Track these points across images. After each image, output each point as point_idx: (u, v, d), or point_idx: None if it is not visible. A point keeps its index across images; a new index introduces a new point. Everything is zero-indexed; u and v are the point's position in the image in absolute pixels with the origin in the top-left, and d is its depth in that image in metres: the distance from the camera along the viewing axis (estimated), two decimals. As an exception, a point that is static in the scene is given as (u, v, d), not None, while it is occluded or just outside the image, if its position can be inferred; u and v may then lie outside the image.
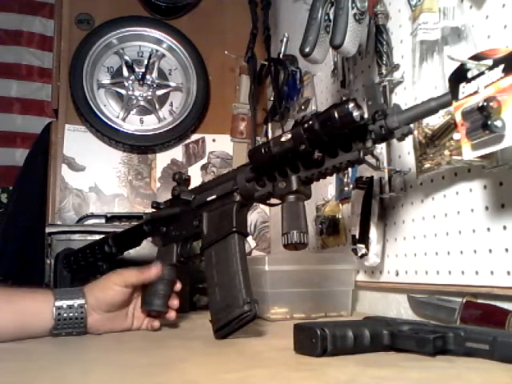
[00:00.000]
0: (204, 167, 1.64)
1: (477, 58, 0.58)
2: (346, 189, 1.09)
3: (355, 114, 0.62)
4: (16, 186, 1.82)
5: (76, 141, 1.55)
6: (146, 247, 1.05)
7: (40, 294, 0.81)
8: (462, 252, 0.76)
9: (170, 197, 0.93)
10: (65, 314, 0.78)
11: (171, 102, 1.63)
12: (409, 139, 0.73)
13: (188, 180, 0.92)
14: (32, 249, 1.57)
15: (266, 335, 0.78)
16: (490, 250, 0.71)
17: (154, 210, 0.95)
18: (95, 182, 1.56)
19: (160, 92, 1.62)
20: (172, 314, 0.88)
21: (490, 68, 0.55)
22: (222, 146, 1.65)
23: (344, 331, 0.56)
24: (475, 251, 0.74)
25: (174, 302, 0.88)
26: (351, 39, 0.84)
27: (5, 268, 1.55)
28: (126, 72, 1.60)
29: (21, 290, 0.80)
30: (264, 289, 0.93)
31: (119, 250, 1.02)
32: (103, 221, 1.41)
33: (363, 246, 0.92)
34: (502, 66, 0.54)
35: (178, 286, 0.89)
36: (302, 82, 1.35)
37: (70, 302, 0.79)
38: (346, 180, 1.09)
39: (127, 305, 0.86)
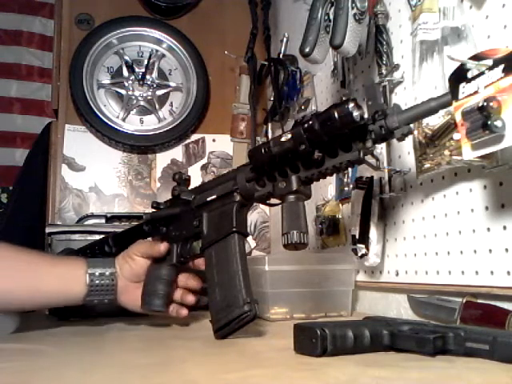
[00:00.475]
0: (204, 167, 1.64)
1: (477, 57, 0.58)
2: (346, 189, 1.09)
3: (355, 114, 0.62)
4: (16, 186, 1.82)
5: (76, 141, 1.55)
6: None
7: (74, 261, 0.85)
8: (461, 252, 0.76)
9: (170, 197, 0.93)
10: (97, 281, 0.83)
11: (171, 102, 1.63)
12: (409, 139, 0.73)
13: (188, 180, 0.92)
14: (32, 249, 1.57)
15: (265, 335, 0.78)
16: (490, 250, 0.71)
17: (153, 210, 0.95)
18: (95, 182, 1.56)
19: (160, 92, 1.62)
20: (184, 311, 0.89)
21: (490, 68, 0.55)
22: (222, 146, 1.66)
23: (344, 331, 0.56)
24: (475, 251, 0.74)
25: (189, 299, 0.89)
26: (351, 39, 0.84)
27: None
28: (125, 72, 1.60)
29: (56, 257, 0.87)
30: (264, 289, 0.93)
31: (119, 250, 1.02)
32: (103, 221, 1.41)
33: (363, 246, 0.92)
34: (502, 66, 0.54)
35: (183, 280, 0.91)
36: (302, 82, 1.35)
37: (101, 270, 0.83)
38: (346, 180, 1.09)
39: None
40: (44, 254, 0.84)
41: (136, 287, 0.87)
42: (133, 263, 0.87)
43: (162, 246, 0.88)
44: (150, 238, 1.01)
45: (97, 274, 0.83)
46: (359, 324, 0.59)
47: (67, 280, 0.82)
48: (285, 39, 1.45)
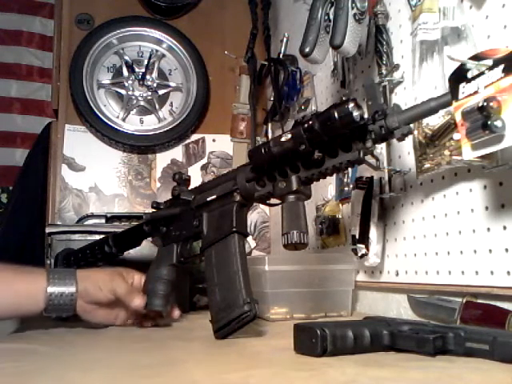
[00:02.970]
0: (204, 167, 1.64)
1: (477, 57, 0.58)
2: (346, 189, 1.09)
3: (355, 114, 0.62)
4: (16, 186, 1.82)
5: (76, 141, 1.55)
6: (146, 247, 1.05)
7: (34, 275, 0.83)
8: (461, 252, 0.76)
9: (170, 197, 0.93)
10: (55, 301, 0.81)
11: (171, 102, 1.63)
12: (409, 139, 0.73)
13: (188, 180, 0.92)
14: (32, 249, 1.58)
15: (265, 335, 0.78)
16: (490, 250, 0.71)
17: (153, 210, 0.95)
18: (95, 182, 1.56)
19: (160, 92, 1.62)
20: (176, 313, 0.90)
21: (490, 68, 0.55)
22: (222, 146, 1.66)
23: (344, 331, 0.56)
24: (475, 251, 0.74)
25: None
26: (351, 39, 0.84)
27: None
28: (126, 72, 1.60)
29: (17, 270, 0.83)
30: (264, 289, 0.93)
31: (119, 250, 1.02)
32: (103, 221, 1.40)
33: (363, 246, 0.92)
34: (502, 66, 0.54)
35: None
36: (302, 82, 1.35)
37: (61, 290, 0.81)
38: (346, 180, 1.09)
39: (114, 305, 0.88)
40: (5, 267, 0.82)
41: (97, 309, 0.85)
42: (98, 292, 0.84)
43: (138, 301, 0.86)
44: (145, 241, 1.02)
45: (56, 293, 0.81)
46: (359, 324, 0.59)
47: (25, 298, 0.81)
48: (285, 39, 1.45)
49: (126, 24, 1.60)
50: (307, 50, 0.89)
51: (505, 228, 0.68)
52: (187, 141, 1.64)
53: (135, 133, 1.56)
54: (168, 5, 1.63)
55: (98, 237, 1.10)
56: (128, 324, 0.91)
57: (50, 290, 0.81)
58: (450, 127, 0.73)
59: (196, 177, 1.60)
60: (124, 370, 0.56)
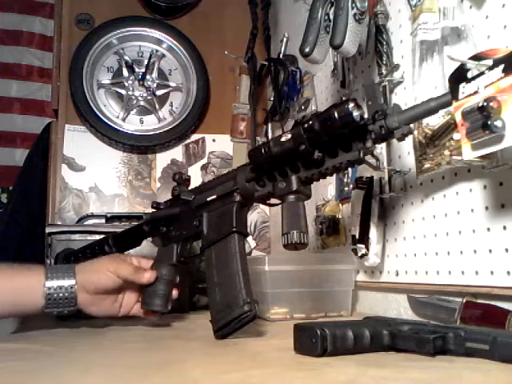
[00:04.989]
0: (204, 167, 1.64)
1: (477, 58, 0.58)
2: (346, 189, 1.09)
3: (355, 114, 0.62)
4: (16, 186, 1.82)
5: (76, 141, 1.55)
6: (146, 247, 1.05)
7: (32, 271, 0.82)
8: (461, 252, 0.76)
9: (170, 197, 0.93)
10: (55, 295, 0.79)
11: (171, 102, 1.63)
12: (409, 139, 0.72)
13: (188, 180, 0.92)
14: (32, 249, 1.57)
15: (265, 335, 0.78)
16: (490, 250, 0.71)
17: (153, 210, 0.95)
18: (95, 182, 1.56)
19: (160, 92, 1.62)
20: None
21: (490, 68, 0.55)
22: (222, 146, 1.66)
23: (344, 331, 0.56)
24: (475, 251, 0.74)
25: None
26: (351, 39, 0.84)
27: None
28: (125, 72, 1.60)
29: (15, 267, 0.82)
30: (264, 289, 0.93)
31: (119, 250, 1.02)
32: (103, 221, 1.40)
33: (363, 245, 0.92)
34: (502, 66, 0.54)
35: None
36: (302, 82, 1.35)
37: (60, 283, 0.80)
38: (346, 180, 1.09)
39: (118, 292, 0.87)
40: (3, 264, 0.81)
41: (102, 299, 0.84)
42: (103, 277, 0.83)
43: (148, 275, 0.85)
44: (145, 241, 1.01)
45: (55, 286, 0.79)
46: (359, 324, 0.59)
47: (24, 293, 0.79)
48: (285, 39, 1.45)
49: (126, 24, 1.60)
50: (307, 50, 0.89)
51: (505, 228, 0.68)
52: (187, 141, 1.64)
53: (135, 133, 1.56)
54: (168, 5, 1.63)
55: (98, 237, 1.10)
56: (132, 313, 0.89)
57: (49, 284, 0.79)
58: (450, 127, 0.73)
59: (196, 177, 1.60)
60: (124, 370, 0.56)
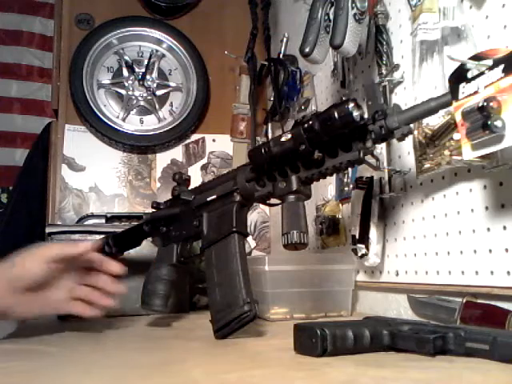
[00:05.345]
0: (204, 167, 1.64)
1: (477, 58, 0.58)
2: (346, 189, 1.09)
3: (355, 114, 0.62)
4: (16, 185, 1.82)
5: (76, 141, 1.55)
6: (146, 247, 1.05)
7: None
8: (461, 252, 0.76)
9: (170, 197, 0.93)
10: None
11: (171, 102, 1.63)
12: (409, 139, 0.72)
13: (188, 180, 0.92)
14: (32, 249, 1.57)
15: (265, 335, 0.78)
16: (490, 250, 0.71)
17: (153, 210, 0.95)
18: (95, 182, 1.56)
19: (160, 92, 1.62)
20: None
21: (490, 68, 0.55)
22: (222, 146, 1.66)
23: (344, 331, 0.56)
24: (475, 251, 0.74)
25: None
26: (351, 39, 0.84)
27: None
28: (125, 72, 1.60)
29: None
30: (264, 289, 0.93)
31: (119, 250, 1.02)
32: (103, 221, 1.40)
33: (363, 245, 0.92)
34: (502, 66, 0.54)
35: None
36: (302, 82, 1.35)
37: None
38: (346, 180, 1.09)
39: (51, 285, 0.76)
40: None
41: (29, 297, 0.73)
42: (36, 268, 0.73)
43: (83, 245, 0.75)
44: (145, 241, 1.01)
45: None
46: (359, 324, 0.59)
47: None
48: (285, 39, 1.45)
49: (126, 24, 1.60)
50: (307, 50, 0.89)
51: (505, 228, 0.68)
52: (187, 141, 1.64)
53: (135, 133, 1.56)
54: (168, 5, 1.63)
55: (97, 237, 1.10)
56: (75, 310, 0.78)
57: None
58: (450, 127, 0.73)
59: (196, 177, 1.60)
60: (124, 370, 0.56)
